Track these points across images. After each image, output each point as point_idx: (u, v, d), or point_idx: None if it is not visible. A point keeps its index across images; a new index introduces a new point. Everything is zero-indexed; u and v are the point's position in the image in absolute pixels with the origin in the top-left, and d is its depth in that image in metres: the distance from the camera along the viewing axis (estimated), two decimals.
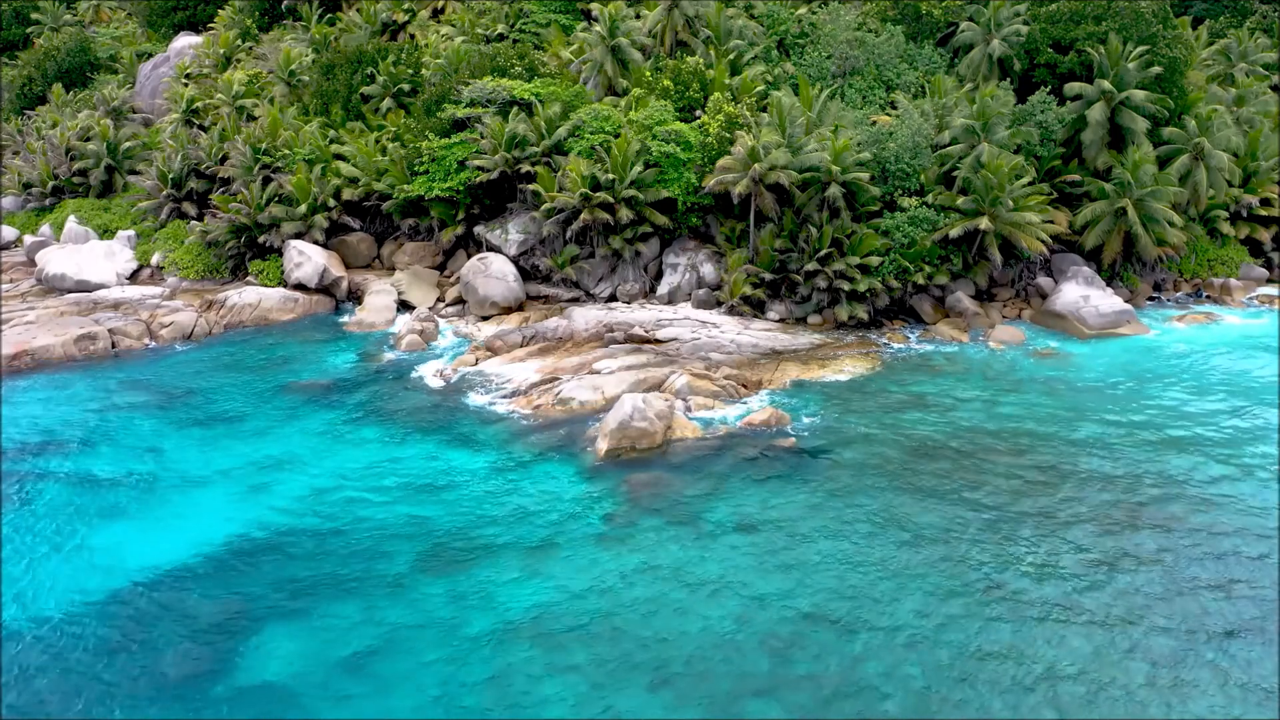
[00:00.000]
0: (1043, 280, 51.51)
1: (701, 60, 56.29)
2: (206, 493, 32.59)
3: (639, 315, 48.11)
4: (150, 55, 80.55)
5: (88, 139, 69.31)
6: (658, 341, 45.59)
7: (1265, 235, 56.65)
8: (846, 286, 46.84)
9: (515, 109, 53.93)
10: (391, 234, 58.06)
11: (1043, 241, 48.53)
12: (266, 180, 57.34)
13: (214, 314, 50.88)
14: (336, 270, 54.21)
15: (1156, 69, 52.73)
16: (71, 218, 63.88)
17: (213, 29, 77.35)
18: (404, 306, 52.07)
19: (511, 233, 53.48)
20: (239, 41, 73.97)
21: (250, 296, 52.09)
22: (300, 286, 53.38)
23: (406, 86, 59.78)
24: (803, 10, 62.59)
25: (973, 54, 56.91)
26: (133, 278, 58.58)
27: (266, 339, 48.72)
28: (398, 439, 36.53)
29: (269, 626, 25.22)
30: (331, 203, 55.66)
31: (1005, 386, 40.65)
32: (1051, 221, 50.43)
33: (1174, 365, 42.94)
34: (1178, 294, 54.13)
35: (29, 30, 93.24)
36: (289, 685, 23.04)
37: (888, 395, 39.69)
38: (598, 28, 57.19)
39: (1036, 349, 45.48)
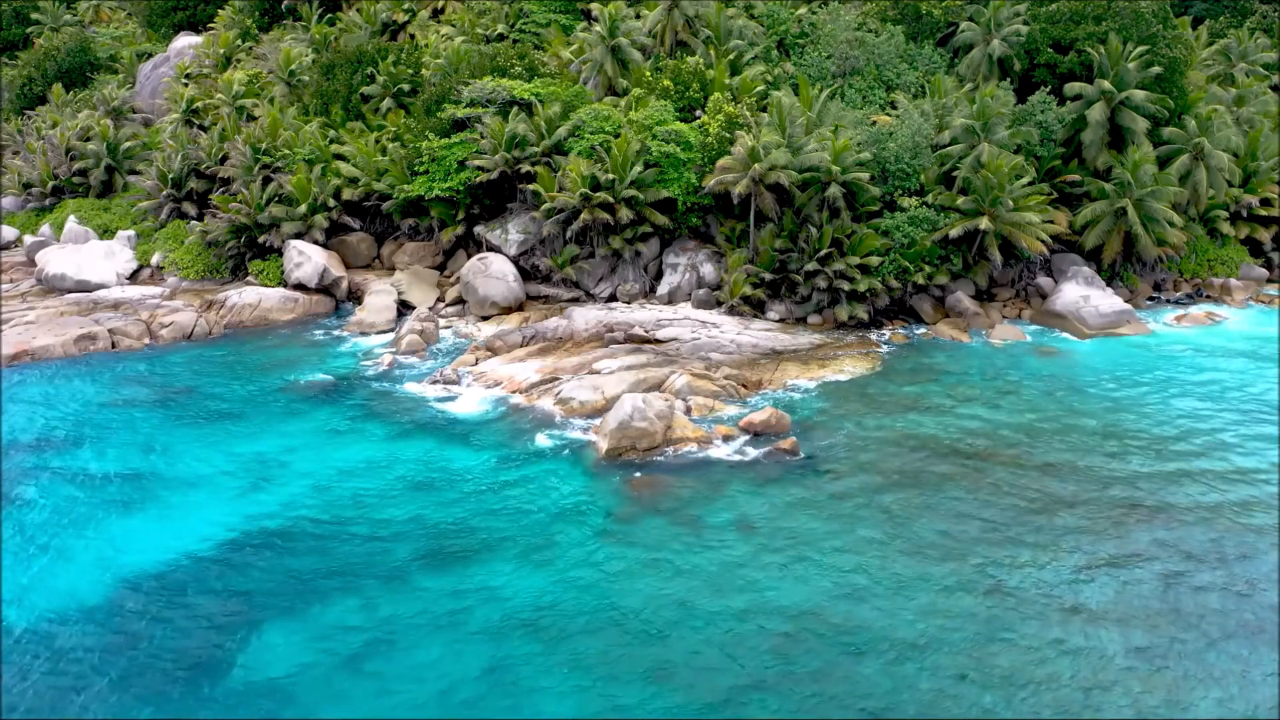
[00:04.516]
0: (1043, 280, 51.53)
1: (701, 60, 56.31)
2: (206, 490, 32.58)
3: (639, 315, 48.11)
4: (150, 55, 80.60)
5: (88, 139, 69.35)
6: (658, 341, 45.59)
7: (1265, 235, 56.70)
8: (846, 286, 46.84)
9: (515, 109, 53.94)
10: (391, 234, 58.06)
11: (1043, 241, 48.55)
12: (266, 180, 57.34)
13: (214, 314, 50.88)
14: (336, 270, 54.22)
15: (1156, 69, 52.75)
16: (71, 218, 63.91)
17: (213, 29, 77.38)
18: (404, 306, 52.03)
19: (511, 233, 53.49)
20: (239, 41, 73.99)
21: (250, 296, 52.11)
22: (300, 286, 53.38)
23: (406, 86, 59.78)
24: (803, 10, 62.63)
25: (973, 54, 56.94)
26: (133, 278, 58.62)
27: (266, 339, 48.72)
28: (397, 438, 36.52)
29: (269, 623, 25.21)
30: (331, 203, 55.66)
31: (1005, 387, 40.66)
32: (1051, 221, 50.45)
33: (1174, 365, 42.94)
34: (1178, 294, 54.15)
35: (29, 30, 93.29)
36: (289, 682, 23.01)
37: (888, 396, 39.69)
38: (598, 28, 57.20)
39: (1036, 349, 45.49)
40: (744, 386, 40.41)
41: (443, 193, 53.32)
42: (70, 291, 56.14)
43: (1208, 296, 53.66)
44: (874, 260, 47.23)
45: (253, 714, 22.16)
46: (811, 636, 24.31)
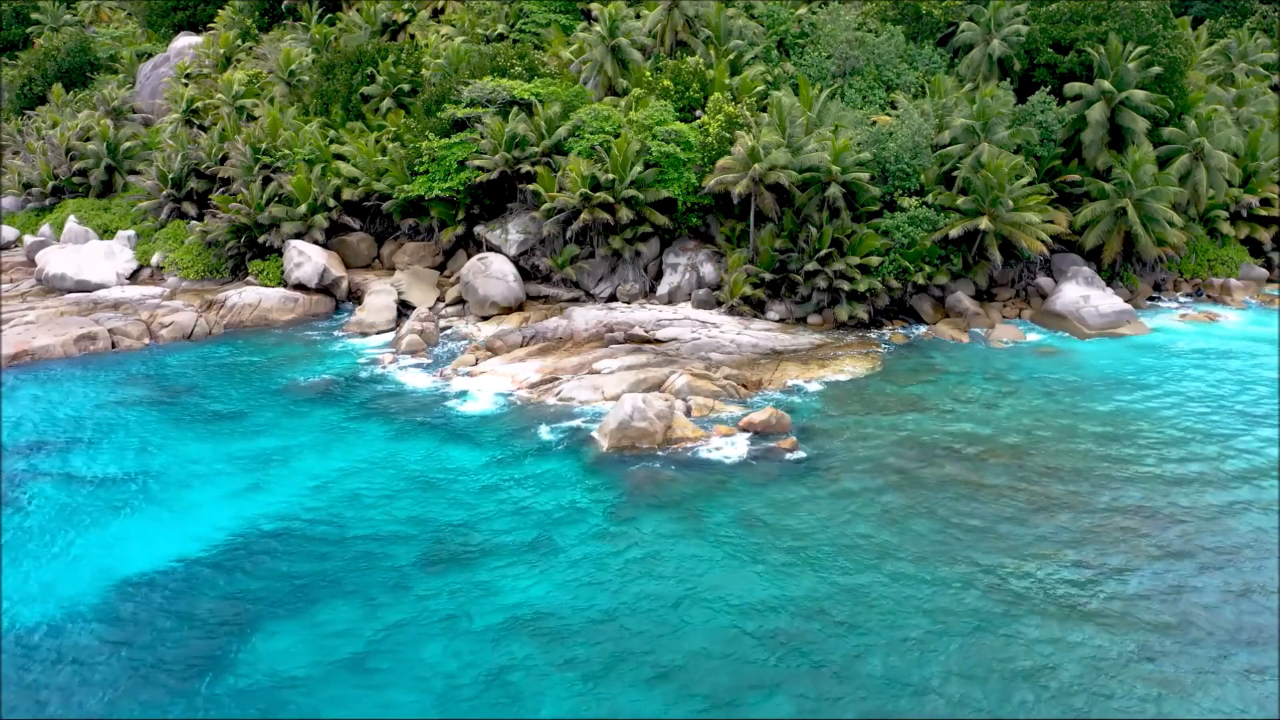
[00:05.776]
0: (1043, 280, 51.53)
1: (701, 60, 56.31)
2: (206, 490, 32.56)
3: (639, 315, 48.11)
4: (150, 55, 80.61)
5: (88, 139, 69.36)
6: (658, 341, 45.59)
7: (1265, 235, 56.75)
8: (846, 286, 46.85)
9: (515, 109, 53.94)
10: (391, 234, 58.07)
11: (1043, 241, 48.56)
12: (266, 180, 57.35)
13: (214, 314, 50.88)
14: (336, 270, 54.22)
15: (1156, 69, 52.77)
16: (71, 218, 63.91)
17: (213, 29, 77.40)
18: (404, 307, 52.03)
19: (511, 233, 53.49)
20: (239, 41, 74.01)
21: (250, 296, 52.11)
22: (300, 286, 53.38)
23: (406, 86, 59.79)
24: (803, 10, 62.64)
25: (973, 54, 56.95)
26: (133, 278, 58.62)
27: (266, 339, 48.73)
28: (397, 438, 36.51)
29: (269, 624, 25.20)
30: (331, 203, 55.67)
31: (1005, 387, 40.65)
32: (1051, 221, 50.47)
33: (1174, 365, 42.94)
34: (1178, 294, 54.20)
35: (29, 30, 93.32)
36: (289, 683, 23.01)
37: (887, 396, 39.69)
38: (598, 28, 57.21)
39: (1037, 349, 45.49)
40: (744, 386, 40.41)
41: (443, 193, 53.32)
42: (70, 291, 56.14)
43: (1208, 296, 53.72)
44: (874, 260, 47.22)
45: (253, 714, 22.16)
46: (812, 636, 24.31)
